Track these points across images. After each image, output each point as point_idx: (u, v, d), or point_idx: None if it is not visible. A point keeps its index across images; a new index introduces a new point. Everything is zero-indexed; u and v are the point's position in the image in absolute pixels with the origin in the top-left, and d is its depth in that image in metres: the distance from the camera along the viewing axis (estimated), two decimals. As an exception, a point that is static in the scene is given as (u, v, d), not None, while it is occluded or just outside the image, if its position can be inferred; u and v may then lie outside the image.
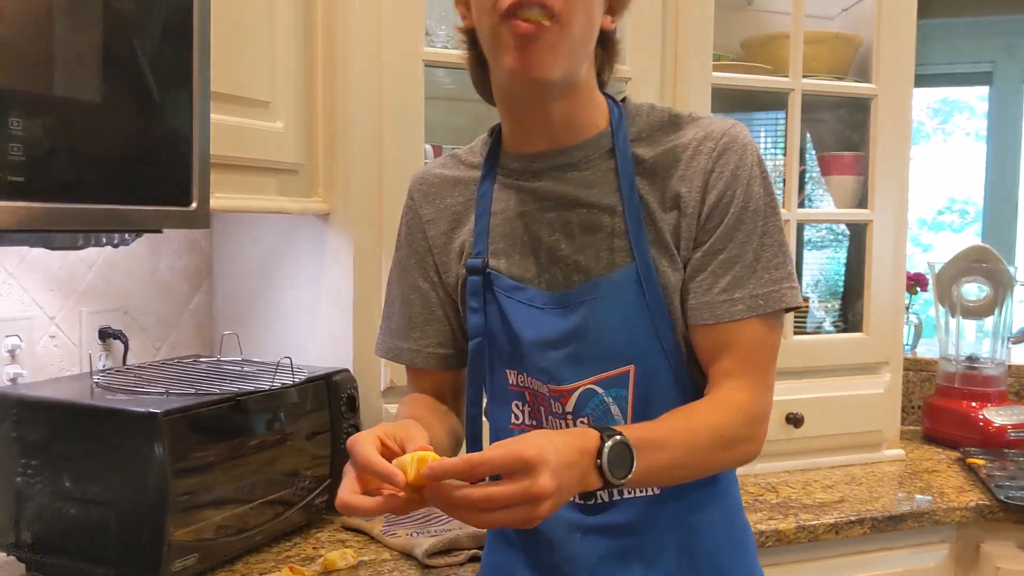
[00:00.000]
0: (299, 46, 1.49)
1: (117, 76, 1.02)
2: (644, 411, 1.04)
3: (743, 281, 1.02)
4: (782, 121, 1.89)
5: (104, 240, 1.06)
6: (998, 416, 1.95)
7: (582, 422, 1.05)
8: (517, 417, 1.11)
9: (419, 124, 1.54)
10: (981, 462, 1.82)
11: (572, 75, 1.00)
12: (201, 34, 1.11)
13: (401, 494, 0.84)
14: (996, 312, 1.99)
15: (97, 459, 1.22)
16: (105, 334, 1.55)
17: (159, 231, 1.09)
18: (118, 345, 1.57)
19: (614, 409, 1.05)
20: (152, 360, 1.61)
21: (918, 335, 2.33)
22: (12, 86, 0.90)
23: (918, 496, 1.69)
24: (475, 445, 1.13)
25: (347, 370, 1.52)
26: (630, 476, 0.91)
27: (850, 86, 1.87)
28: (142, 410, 1.19)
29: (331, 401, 1.48)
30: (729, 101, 1.91)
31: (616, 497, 1.07)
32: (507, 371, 1.10)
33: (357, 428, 1.52)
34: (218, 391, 1.31)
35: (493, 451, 0.83)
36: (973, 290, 2.01)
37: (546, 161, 1.07)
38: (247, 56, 1.38)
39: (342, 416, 1.50)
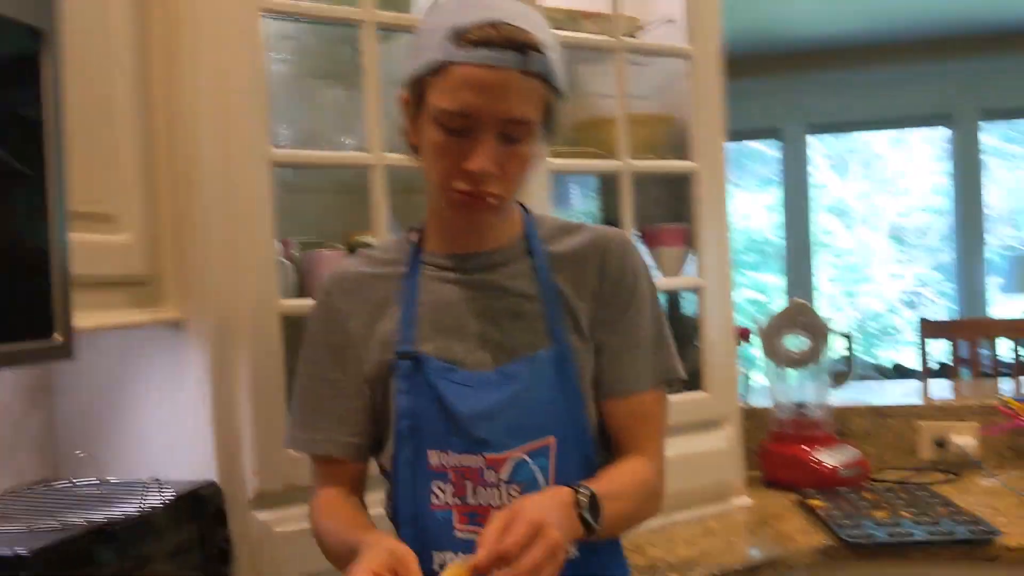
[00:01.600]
0: (141, 153, 1.46)
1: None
2: (560, 481, 1.16)
3: (647, 357, 1.23)
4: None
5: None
6: (829, 457, 2.11)
7: (515, 489, 1.16)
8: (438, 498, 1.19)
9: (269, 227, 1.54)
10: (820, 503, 1.96)
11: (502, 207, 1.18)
12: (56, 151, 1.07)
13: None
14: (817, 360, 2.17)
15: (-49, 612, 1.14)
16: (-60, 469, 1.44)
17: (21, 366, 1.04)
18: (-45, 479, 1.46)
19: (539, 477, 1.17)
20: (-5, 490, 1.50)
21: (746, 387, 2.49)
22: None
23: (770, 544, 1.81)
24: (402, 529, 1.20)
25: (213, 482, 1.48)
26: (599, 525, 1.07)
27: (672, 165, 2.01)
28: (8, 552, 1.12)
29: (199, 516, 1.44)
30: (564, 186, 2.01)
31: None
32: (430, 452, 1.18)
33: (228, 541, 1.48)
34: (83, 521, 1.25)
35: (510, 535, 0.97)
36: (795, 343, 2.18)
37: (474, 260, 1.23)
38: (87, 167, 1.33)
39: (212, 530, 1.45)
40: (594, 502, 1.08)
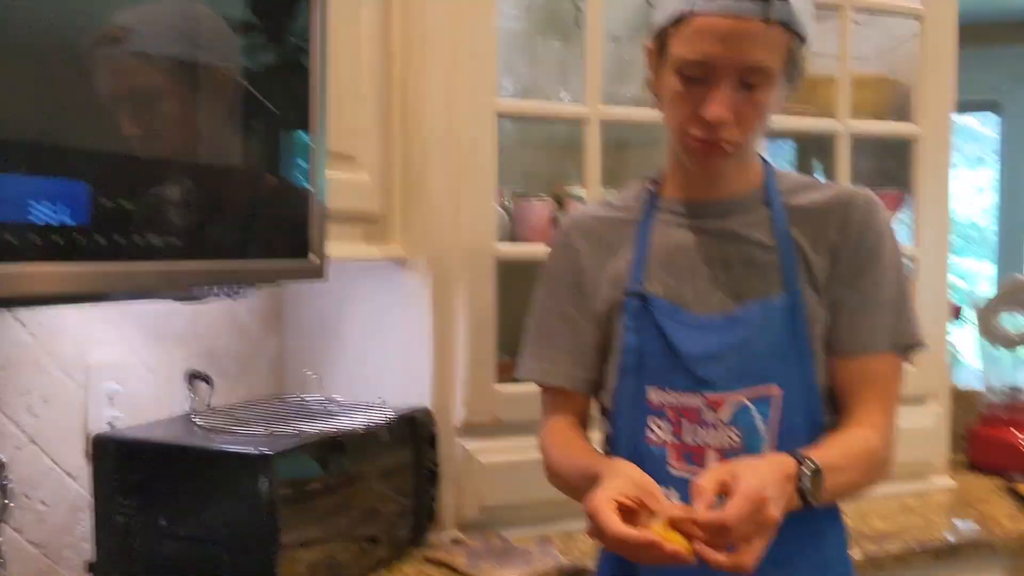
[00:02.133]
0: (379, 101, 1.57)
1: (249, 142, 1.10)
2: (782, 431, 1.17)
3: (886, 320, 1.20)
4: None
5: (224, 292, 1.13)
6: (1043, 444, 2.01)
7: (734, 432, 1.17)
8: (655, 434, 1.21)
9: (492, 173, 1.62)
10: (1030, 489, 1.87)
11: (740, 155, 1.18)
12: (320, 95, 1.18)
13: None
14: (1037, 343, 2.05)
15: (206, 498, 1.28)
16: (192, 377, 1.61)
17: (278, 284, 1.16)
18: (203, 387, 1.63)
19: (759, 424, 1.17)
20: (235, 401, 1.67)
21: (955, 366, 2.39)
22: (171, 157, 0.98)
23: (973, 524, 1.75)
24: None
25: (427, 408, 1.58)
26: (818, 498, 1.06)
27: (895, 126, 1.94)
28: (255, 451, 1.25)
29: (413, 438, 1.54)
30: (777, 145, 1.98)
31: None
32: (650, 389, 1.21)
33: (436, 464, 1.58)
34: (315, 430, 1.37)
35: (732, 509, 0.98)
36: (1013, 322, 2.07)
37: (710, 208, 1.23)
38: (336, 113, 1.45)
39: (423, 453, 1.56)
40: (817, 476, 1.06)
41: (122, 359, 1.51)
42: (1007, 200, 6.77)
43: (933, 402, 1.97)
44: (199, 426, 1.40)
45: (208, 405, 1.62)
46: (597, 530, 1.01)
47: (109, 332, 1.50)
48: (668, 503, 1.04)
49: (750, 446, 1.16)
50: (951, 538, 1.67)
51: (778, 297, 1.18)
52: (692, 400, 1.18)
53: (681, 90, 1.13)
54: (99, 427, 1.43)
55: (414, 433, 1.54)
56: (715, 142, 1.13)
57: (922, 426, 1.94)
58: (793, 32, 1.11)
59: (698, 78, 1.11)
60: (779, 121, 1.82)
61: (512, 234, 1.74)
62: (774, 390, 1.17)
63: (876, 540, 1.64)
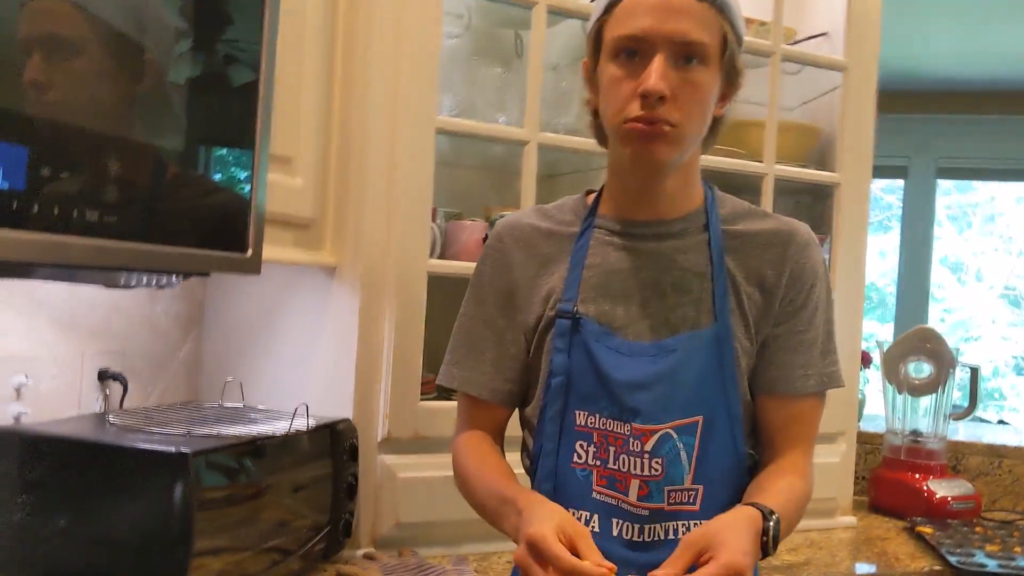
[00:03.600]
0: (320, 106, 1.56)
1: (194, 127, 1.07)
2: (705, 462, 1.17)
3: (815, 361, 1.21)
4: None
5: (151, 280, 1.09)
6: (941, 488, 2.08)
7: (657, 462, 1.16)
8: (580, 456, 1.20)
9: (428, 188, 1.62)
10: (930, 530, 1.93)
11: (682, 158, 1.17)
12: (266, 96, 1.17)
13: None
14: (939, 390, 2.14)
15: (117, 499, 1.23)
16: (104, 375, 1.55)
17: (207, 274, 1.13)
18: (115, 387, 1.57)
19: (683, 455, 1.17)
20: (145, 404, 1.61)
21: (861, 410, 2.47)
22: (107, 131, 0.95)
23: (874, 562, 1.79)
24: (541, 484, 1.21)
25: (349, 420, 1.56)
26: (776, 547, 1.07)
27: (817, 174, 2.02)
28: (172, 450, 1.21)
29: (333, 450, 1.51)
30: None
31: (661, 537, 1.16)
32: (578, 412, 1.20)
33: (356, 477, 1.55)
34: (235, 434, 1.34)
35: (711, 571, 0.97)
36: (918, 369, 2.15)
37: (648, 228, 1.22)
38: (276, 113, 1.43)
39: (343, 465, 1.53)
40: (777, 528, 1.06)
41: (31, 351, 1.44)
42: (907, 264, 7.08)
43: (843, 441, 2.03)
44: (112, 424, 1.35)
45: (121, 406, 1.57)
46: (543, 557, 0.98)
47: (17, 322, 1.44)
48: (598, 553, 1.00)
49: (672, 476, 1.17)
50: (856, 573, 1.71)
51: (708, 328, 1.18)
52: (619, 428, 1.17)
53: (618, 73, 1.12)
54: (4, 421, 1.37)
55: (335, 444, 1.51)
56: (654, 122, 1.10)
57: (832, 464, 2.00)
58: (726, 19, 1.13)
59: (634, 53, 1.11)
60: (709, 161, 1.89)
61: (442, 253, 1.74)
62: (698, 419, 1.17)
63: (784, 571, 1.67)
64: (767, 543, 1.05)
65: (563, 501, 1.17)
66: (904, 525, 2.04)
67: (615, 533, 1.17)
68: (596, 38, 1.17)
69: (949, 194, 7.73)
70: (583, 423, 1.19)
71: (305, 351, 1.68)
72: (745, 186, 2.04)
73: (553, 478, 1.20)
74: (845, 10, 2.00)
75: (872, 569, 1.75)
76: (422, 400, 1.64)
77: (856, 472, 2.18)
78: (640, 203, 1.22)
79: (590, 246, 1.23)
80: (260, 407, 1.54)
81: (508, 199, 1.82)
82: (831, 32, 2.12)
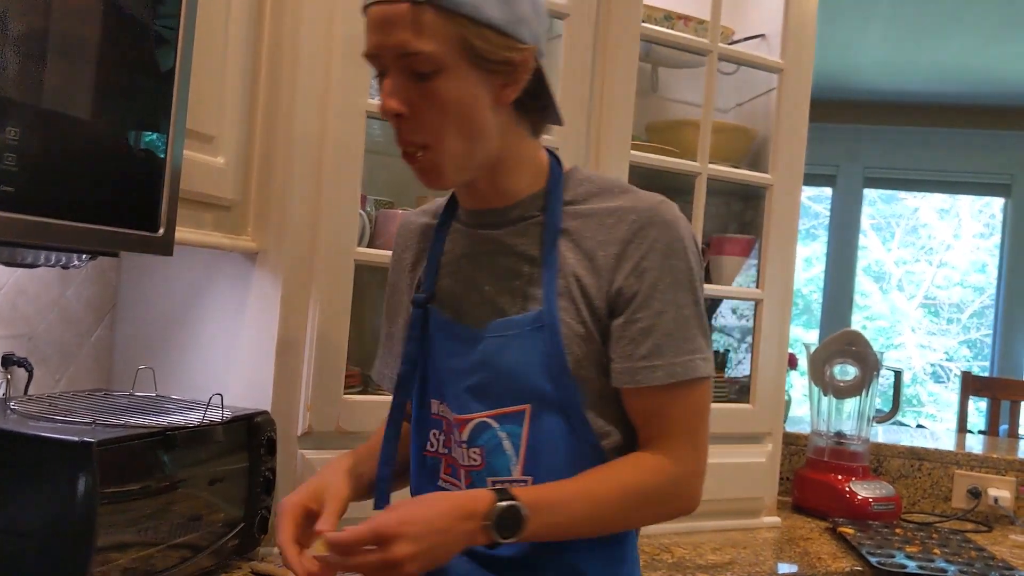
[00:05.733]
0: (245, 84, 1.50)
1: (105, 98, 1.01)
2: (536, 452, 1.11)
3: (662, 349, 1.09)
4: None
5: (58, 260, 1.03)
6: (863, 489, 2.10)
7: (476, 452, 1.13)
8: (432, 444, 1.20)
9: (357, 173, 1.57)
10: (851, 531, 1.95)
11: (478, 167, 1.11)
12: (183, 70, 1.12)
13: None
14: (863, 393, 2.16)
15: (16, 488, 1.16)
16: (8, 361, 1.47)
17: (116, 254, 1.07)
18: (20, 374, 1.49)
19: (507, 445, 1.12)
20: (52, 391, 1.53)
21: (787, 411, 2.48)
22: (8, 95, 0.88)
23: (796, 562, 1.80)
24: (385, 468, 1.21)
25: (267, 412, 1.50)
26: (520, 536, 1.02)
27: (750, 174, 2.02)
28: (76, 439, 1.14)
29: (250, 443, 1.45)
30: (639, 181, 2.02)
31: None
32: (432, 400, 1.20)
33: (272, 472, 1.49)
34: (145, 424, 1.27)
35: (359, 528, 0.97)
36: (843, 372, 2.17)
37: (487, 216, 1.18)
38: (197, 88, 1.37)
39: (259, 459, 1.47)
40: (512, 514, 1.01)
41: (-73, 333, 1.36)
42: (833, 272, 7.23)
43: (768, 441, 2.03)
44: (14, 411, 1.27)
45: (26, 393, 1.49)
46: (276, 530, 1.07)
47: (-86, 303, 1.35)
48: (323, 520, 1.06)
49: (495, 466, 1.12)
50: (780, 573, 1.71)
51: (531, 313, 1.11)
52: (450, 415, 1.17)
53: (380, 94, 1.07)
54: None
55: (252, 437, 1.45)
56: (406, 144, 1.06)
57: (758, 464, 2.00)
58: (460, 17, 1.01)
59: (381, 75, 1.06)
60: (642, 159, 1.88)
61: (371, 242, 1.70)
62: (524, 407, 1.11)
63: (707, 570, 1.67)
64: (488, 527, 1.00)
65: (418, 488, 1.21)
66: (827, 525, 2.06)
67: None
68: None
69: (874, 204, 7.91)
70: (436, 411, 1.20)
71: (225, 340, 1.61)
72: (679, 185, 2.04)
73: (415, 465, 1.22)
74: (783, 12, 2.01)
75: (795, 569, 1.75)
76: (347, 393, 1.59)
77: (781, 472, 2.20)
78: (472, 197, 1.18)
79: (448, 236, 1.23)
80: (174, 397, 1.47)
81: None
82: (768, 34, 2.12)
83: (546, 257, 1.12)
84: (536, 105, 1.13)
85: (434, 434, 1.20)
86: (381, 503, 1.20)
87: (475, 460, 1.13)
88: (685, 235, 1.12)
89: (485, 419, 1.12)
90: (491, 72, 1.05)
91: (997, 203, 7.11)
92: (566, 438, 1.11)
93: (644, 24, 1.86)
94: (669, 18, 1.98)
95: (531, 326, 1.11)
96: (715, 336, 2.23)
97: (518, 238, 1.15)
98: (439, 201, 1.29)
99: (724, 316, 2.30)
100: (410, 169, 1.10)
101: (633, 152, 1.85)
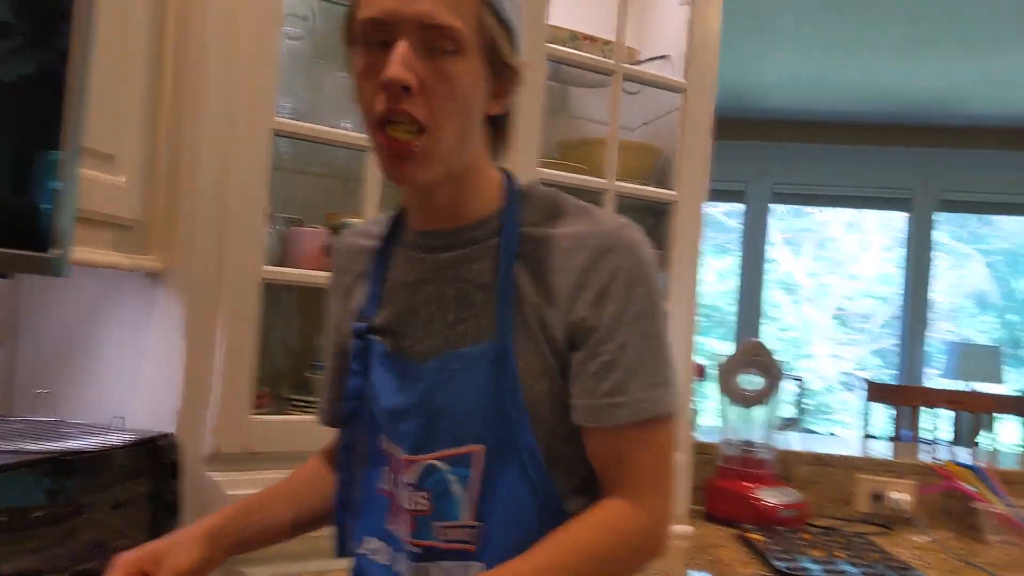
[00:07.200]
0: (147, 101, 1.48)
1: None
2: (488, 496, 1.03)
3: (626, 385, 1.01)
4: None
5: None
6: (771, 496, 2.16)
7: (423, 495, 1.05)
8: (384, 482, 1.12)
9: (264, 191, 1.56)
10: (759, 538, 2.00)
11: (450, 172, 1.02)
12: (78, 87, 1.10)
13: None
14: (768, 402, 2.22)
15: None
16: None
17: (7, 276, 1.05)
18: (-91, 401, 1.44)
19: (455, 488, 1.04)
20: (-55, 419, 1.48)
21: (696, 421, 2.54)
22: None
23: (707, 570, 1.84)
24: (344, 512, 1.15)
25: (170, 435, 1.47)
26: None
27: (655, 191, 2.07)
28: (-35, 466, 1.11)
29: (152, 466, 1.43)
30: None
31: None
32: (381, 435, 1.11)
33: (177, 496, 1.47)
34: (42, 450, 1.24)
35: None
36: (750, 382, 2.23)
37: (436, 239, 1.08)
38: (97, 105, 1.35)
39: (164, 482, 1.44)
40: None
41: None
42: (746, 285, 7.41)
43: (679, 452, 2.07)
44: (-102, 439, 1.23)
45: (-88, 421, 1.44)
46: None
47: None
48: None
49: (443, 511, 1.05)
50: (688, 580, 1.75)
51: (482, 345, 1.03)
52: (398, 455, 1.09)
53: (364, 64, 0.97)
54: None
55: (154, 461, 1.43)
56: (398, 112, 0.95)
57: (666, 475, 2.04)
58: (485, 4, 0.97)
59: (380, 44, 0.96)
60: (552, 176, 1.91)
61: (281, 261, 1.69)
62: (476, 448, 1.03)
63: (620, 581, 1.69)
64: None
65: (366, 528, 1.13)
66: (736, 533, 2.10)
67: (396, 568, 1.09)
68: (349, 31, 1.01)
69: (785, 219, 8.15)
70: (384, 448, 1.11)
71: (129, 361, 1.58)
72: (589, 202, 2.07)
73: (361, 503, 1.13)
74: (686, 34, 2.06)
75: (704, 578, 1.79)
76: (256, 414, 1.57)
77: (694, 482, 2.24)
78: (425, 213, 1.09)
79: (392, 260, 1.14)
80: (73, 421, 1.44)
81: (352, 206, 1.78)
82: (672, 55, 2.18)
83: (501, 284, 1.03)
84: (503, 125, 1.08)
85: (385, 472, 1.11)
86: (344, 550, 1.16)
87: (422, 505, 1.05)
88: (648, 261, 1.04)
89: (433, 461, 1.04)
90: (496, 74, 1.01)
91: (900, 217, 7.39)
92: (520, 484, 1.02)
93: (550, 44, 1.89)
94: (575, 38, 2.02)
95: (484, 359, 1.02)
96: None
97: (470, 263, 1.06)
98: (376, 220, 1.20)
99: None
100: (380, 157, 0.99)
101: (543, 170, 1.88)
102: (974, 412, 3.12)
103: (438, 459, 1.04)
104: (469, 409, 1.03)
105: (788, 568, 1.79)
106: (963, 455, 2.56)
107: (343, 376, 1.17)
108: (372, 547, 1.12)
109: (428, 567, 1.06)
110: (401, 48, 0.94)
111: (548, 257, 1.03)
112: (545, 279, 1.03)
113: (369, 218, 1.26)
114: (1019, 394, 3.14)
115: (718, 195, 7.78)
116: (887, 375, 7.65)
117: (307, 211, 1.83)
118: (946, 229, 7.74)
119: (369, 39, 0.96)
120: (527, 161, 1.85)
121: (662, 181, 2.15)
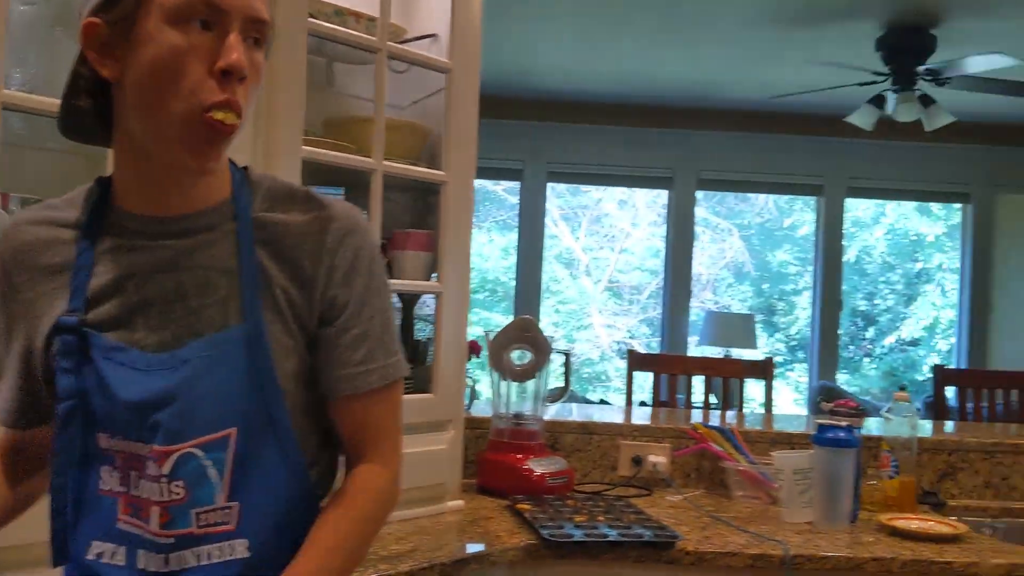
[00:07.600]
0: None
1: None
2: (242, 475, 1.06)
3: (374, 354, 1.14)
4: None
5: None
6: (539, 466, 2.24)
7: (177, 485, 1.05)
8: (105, 483, 1.08)
9: (-8, 169, 1.43)
10: (527, 507, 2.07)
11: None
12: None
13: None
14: (537, 375, 2.30)
15: None
16: None
17: None
18: None
19: (211, 472, 1.05)
20: None
21: (473, 396, 2.59)
22: None
23: (478, 541, 1.89)
24: (60, 517, 1.09)
25: None
26: None
27: (423, 171, 2.07)
28: None
29: None
30: (314, 176, 2.01)
31: (193, 563, 1.06)
32: (100, 434, 1.07)
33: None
34: None
35: None
36: (521, 356, 2.30)
37: (171, 225, 1.08)
38: None
39: None
40: None
41: None
42: (525, 261, 7.62)
43: (451, 428, 2.11)
44: None
45: None
46: None
47: None
48: None
49: (199, 497, 1.05)
50: (457, 555, 1.78)
51: (233, 328, 1.06)
52: (140, 449, 1.05)
53: (186, 44, 0.99)
54: None
55: None
56: (234, 104, 1.02)
57: (440, 451, 2.07)
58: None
59: (202, 24, 1.00)
60: (317, 154, 1.87)
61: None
62: (230, 431, 1.05)
63: (390, 560, 1.70)
64: None
65: (90, 532, 1.08)
66: (507, 504, 2.16)
67: (140, 566, 1.06)
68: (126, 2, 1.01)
69: (562, 196, 8.46)
70: (106, 446, 1.07)
71: None
72: (356, 181, 2.06)
73: (77, 506, 1.09)
74: (450, 14, 2.08)
75: (475, 549, 1.83)
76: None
77: (468, 456, 2.29)
78: (168, 197, 1.08)
79: (102, 248, 1.09)
80: None
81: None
82: (440, 35, 2.19)
83: (245, 268, 1.07)
84: None
85: (106, 470, 1.07)
86: (61, 558, 1.10)
87: (177, 494, 1.05)
88: (376, 240, 1.19)
89: (189, 450, 1.04)
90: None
91: (665, 195, 7.83)
92: (276, 459, 1.08)
93: (312, 20, 1.85)
94: (340, 14, 1.98)
95: (235, 343, 1.05)
96: (418, 325, 2.26)
97: (209, 249, 1.08)
98: (53, 204, 1.14)
99: (429, 306, 2.33)
100: (195, 139, 1.02)
101: (307, 148, 1.84)
102: (726, 377, 3.38)
103: (194, 447, 1.04)
104: (222, 393, 1.05)
105: (552, 535, 1.86)
106: (715, 418, 2.76)
107: (30, 377, 1.14)
108: (102, 551, 1.08)
109: (183, 555, 1.06)
110: (236, 38, 1.01)
111: (292, 240, 1.10)
112: (293, 263, 1.10)
113: (44, 202, 1.17)
114: (765, 358, 3.42)
115: (497, 173, 8.00)
116: (656, 343, 8.13)
117: (47, 191, 1.69)
118: (706, 205, 8.30)
119: (189, 17, 0.99)
120: (290, 138, 1.81)
121: (433, 160, 2.16)
